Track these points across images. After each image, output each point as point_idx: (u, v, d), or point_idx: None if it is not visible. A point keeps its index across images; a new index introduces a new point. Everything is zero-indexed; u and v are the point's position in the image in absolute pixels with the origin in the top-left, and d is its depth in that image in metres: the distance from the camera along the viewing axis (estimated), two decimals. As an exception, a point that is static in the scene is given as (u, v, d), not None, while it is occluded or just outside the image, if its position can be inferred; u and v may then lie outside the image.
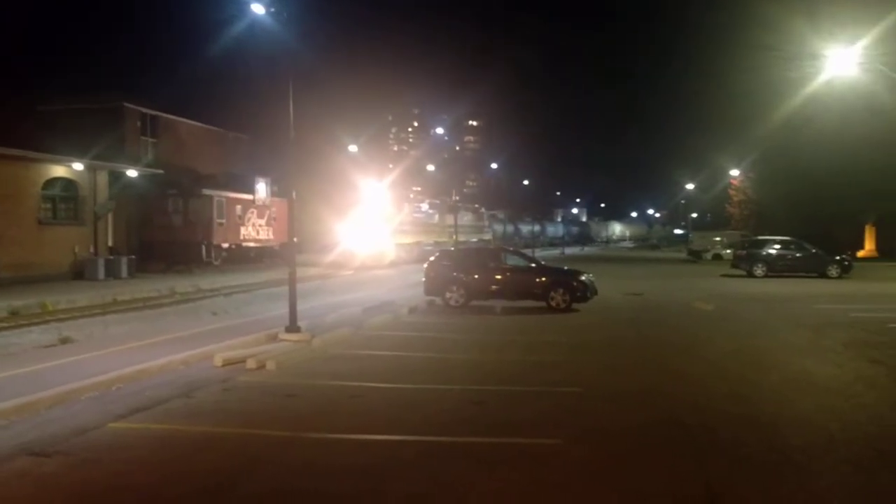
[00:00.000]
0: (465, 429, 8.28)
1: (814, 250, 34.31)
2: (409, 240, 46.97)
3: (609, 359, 12.81)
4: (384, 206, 42.05)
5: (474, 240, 61.61)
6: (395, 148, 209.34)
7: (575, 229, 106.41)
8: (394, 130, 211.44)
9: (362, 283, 29.46)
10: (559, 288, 19.95)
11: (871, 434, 8.01)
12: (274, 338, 14.11)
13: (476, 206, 78.08)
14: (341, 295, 23.65)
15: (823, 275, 32.84)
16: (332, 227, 39.53)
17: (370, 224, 39.94)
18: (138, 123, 38.99)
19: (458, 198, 65.57)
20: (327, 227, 39.74)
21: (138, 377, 10.79)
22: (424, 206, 54.18)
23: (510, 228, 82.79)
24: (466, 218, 64.50)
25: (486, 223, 73.27)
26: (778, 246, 35.27)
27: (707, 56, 56.46)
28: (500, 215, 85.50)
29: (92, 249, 29.90)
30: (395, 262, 41.12)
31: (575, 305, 19.74)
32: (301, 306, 15.02)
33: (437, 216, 56.44)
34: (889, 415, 8.85)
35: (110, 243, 31.62)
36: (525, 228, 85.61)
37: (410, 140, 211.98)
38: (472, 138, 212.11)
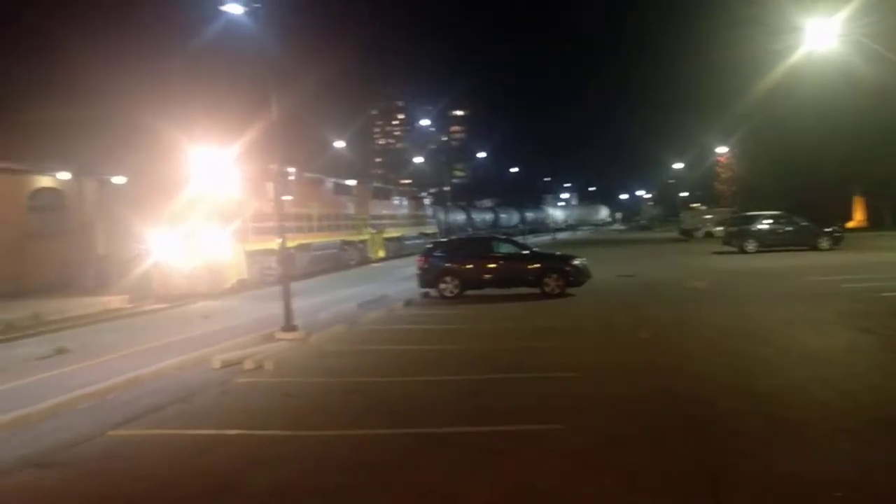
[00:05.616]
0: (465, 419, 8.30)
1: (804, 223, 34.45)
2: (288, 242, 23.97)
3: (605, 341, 12.85)
4: (229, 194, 25.19)
5: (414, 234, 46.55)
6: (382, 141, 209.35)
7: (530, 215, 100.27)
8: (379, 124, 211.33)
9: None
10: (552, 273, 19.99)
11: (865, 403, 8.08)
12: (270, 337, 14.11)
13: (415, 189, 58.76)
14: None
15: (815, 247, 32.97)
16: (147, 233, 24.82)
17: (204, 224, 24.43)
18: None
19: (448, 188, 60.26)
20: (140, 232, 25.09)
21: (133, 385, 10.77)
22: (327, 187, 35.01)
23: (460, 218, 69.30)
24: (403, 208, 47.15)
25: (430, 213, 54.33)
26: (768, 221, 35.38)
27: (688, 33, 56.17)
28: (458, 204, 76.78)
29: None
30: (247, 283, 25.44)
31: (569, 290, 19.78)
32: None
33: (350, 204, 37.54)
34: (881, 383, 8.91)
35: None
36: (478, 217, 76.60)
37: (396, 133, 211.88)
38: (458, 128, 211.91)
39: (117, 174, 32.46)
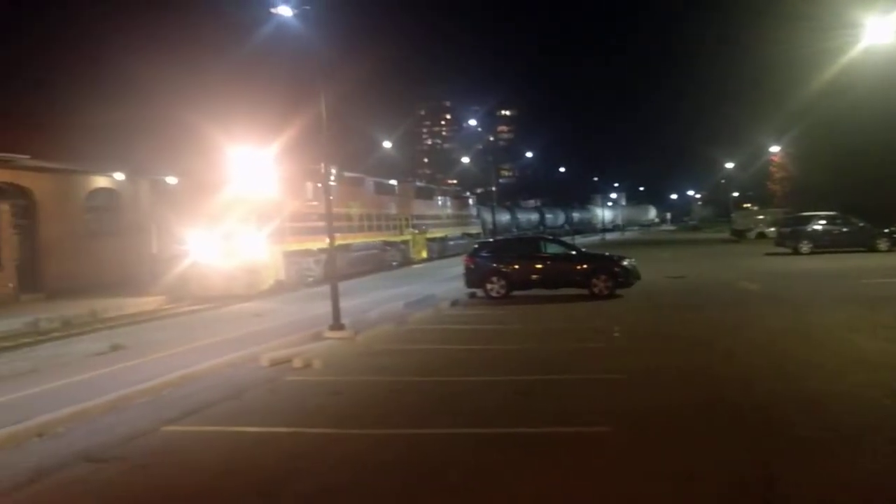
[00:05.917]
0: (512, 420, 8.27)
1: (861, 224, 33.52)
2: (327, 243, 21.14)
3: (655, 343, 12.69)
4: (266, 194, 24.70)
5: (457, 234, 46.24)
6: (429, 141, 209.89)
7: (576, 215, 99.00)
8: (427, 124, 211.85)
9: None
10: (601, 274, 19.79)
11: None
12: (318, 336, 14.24)
13: (459, 189, 57.53)
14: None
15: (872, 248, 32.04)
16: (185, 233, 24.73)
17: (243, 224, 24.09)
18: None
19: (495, 188, 59.84)
20: (179, 232, 25.01)
21: (186, 381, 10.98)
22: (368, 187, 33.83)
23: (505, 218, 67.86)
24: (446, 208, 45.84)
25: (474, 213, 53.10)
26: (823, 221, 34.53)
27: (740, 30, 55.12)
28: (503, 204, 74.91)
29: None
30: (284, 284, 25.04)
31: (618, 291, 19.57)
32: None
33: (392, 204, 36.62)
34: (946, 389, 8.63)
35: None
36: (523, 217, 75.69)
37: (444, 133, 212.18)
38: (505, 128, 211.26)
39: (169, 174, 33.14)
